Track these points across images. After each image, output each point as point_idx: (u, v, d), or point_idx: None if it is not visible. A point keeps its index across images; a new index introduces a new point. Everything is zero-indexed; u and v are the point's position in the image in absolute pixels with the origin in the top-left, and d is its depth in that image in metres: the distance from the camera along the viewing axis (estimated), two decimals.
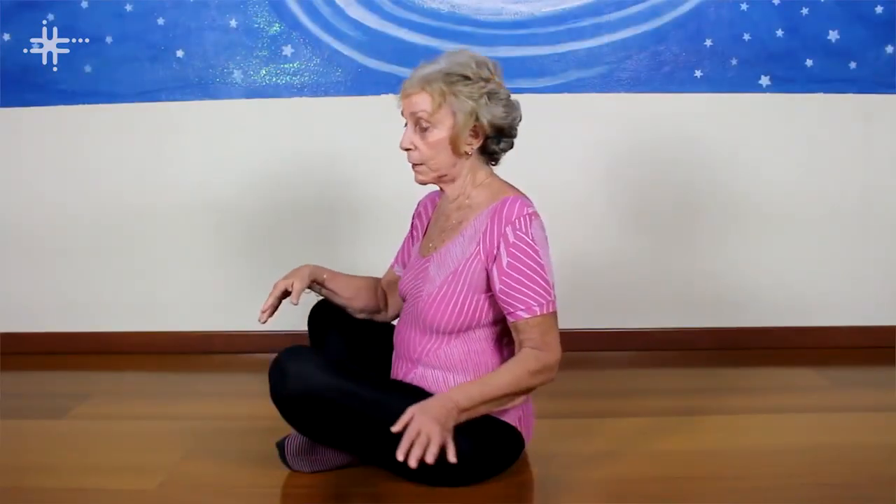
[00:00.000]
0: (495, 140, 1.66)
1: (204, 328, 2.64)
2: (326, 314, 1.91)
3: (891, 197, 2.56)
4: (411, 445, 1.41)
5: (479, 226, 1.63)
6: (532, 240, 1.58)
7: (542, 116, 2.47)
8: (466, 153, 1.65)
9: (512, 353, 1.65)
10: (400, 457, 1.41)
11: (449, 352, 1.66)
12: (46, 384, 2.42)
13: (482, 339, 1.66)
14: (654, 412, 2.08)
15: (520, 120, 1.68)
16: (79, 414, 2.13)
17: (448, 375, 1.65)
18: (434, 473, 1.62)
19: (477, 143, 1.65)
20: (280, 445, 1.73)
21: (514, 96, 1.69)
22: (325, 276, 1.81)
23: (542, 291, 1.58)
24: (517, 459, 1.72)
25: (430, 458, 1.40)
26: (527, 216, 1.60)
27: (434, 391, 1.63)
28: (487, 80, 1.62)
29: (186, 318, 2.64)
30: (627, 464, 1.79)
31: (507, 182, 1.72)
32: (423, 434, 1.42)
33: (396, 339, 1.78)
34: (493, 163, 1.71)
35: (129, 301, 2.65)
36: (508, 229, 1.59)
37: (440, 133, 1.63)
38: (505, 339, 1.68)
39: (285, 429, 1.68)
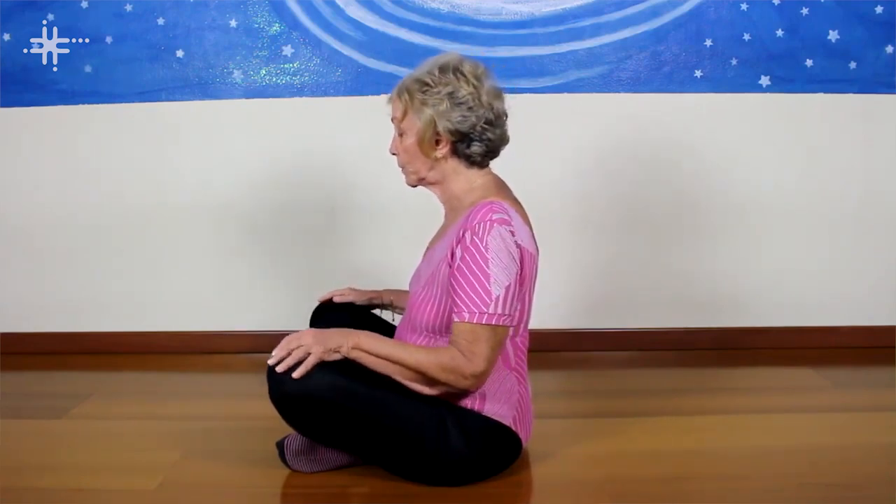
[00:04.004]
0: (464, 144, 1.64)
1: (204, 328, 2.64)
2: (328, 314, 1.91)
3: (891, 197, 2.56)
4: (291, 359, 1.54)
5: (456, 229, 1.63)
6: (485, 247, 1.55)
7: (542, 116, 2.49)
8: (437, 158, 1.65)
9: (503, 354, 1.65)
10: (270, 361, 1.54)
11: None
12: (46, 384, 2.42)
13: None
14: (654, 412, 2.08)
15: (488, 122, 1.62)
16: (79, 414, 2.13)
17: None
18: (433, 474, 1.63)
19: (444, 149, 1.64)
20: (280, 445, 1.73)
21: (500, 100, 1.65)
22: (391, 299, 1.96)
23: (477, 300, 1.54)
24: (515, 460, 1.72)
25: (294, 371, 1.53)
26: (488, 222, 1.56)
27: None
28: (447, 85, 1.60)
29: (186, 318, 2.64)
30: (627, 464, 1.79)
31: (501, 184, 1.70)
32: (300, 345, 1.54)
33: (395, 336, 1.78)
34: (475, 166, 1.68)
35: (128, 301, 2.64)
36: (468, 234, 1.57)
37: (410, 139, 1.66)
38: None
39: (285, 429, 1.68)
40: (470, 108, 1.61)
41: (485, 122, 1.62)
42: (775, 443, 1.88)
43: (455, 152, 1.66)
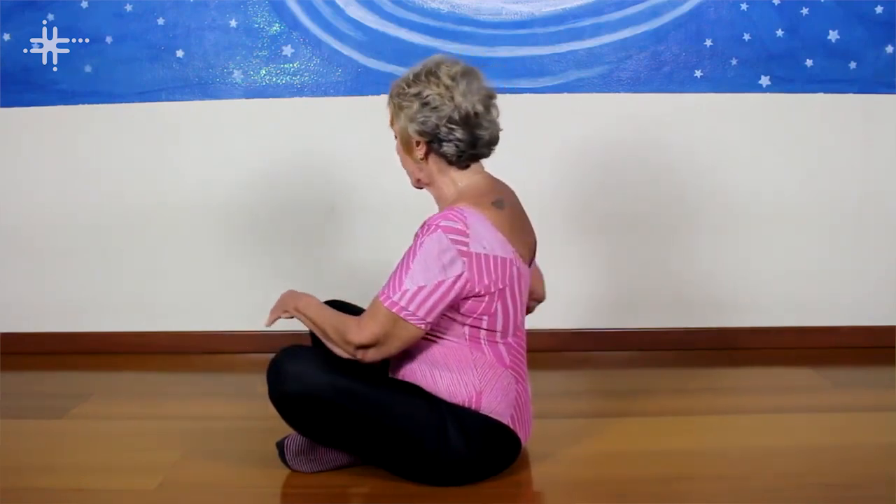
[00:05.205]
0: (436, 144, 1.64)
1: (204, 328, 2.64)
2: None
3: (891, 197, 2.56)
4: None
5: None
6: (420, 244, 1.58)
7: (542, 116, 2.49)
8: (419, 159, 1.67)
9: (496, 353, 1.66)
10: (266, 323, 1.73)
11: (428, 349, 1.66)
12: (46, 384, 2.42)
13: (456, 337, 1.64)
14: (654, 412, 2.08)
15: (452, 121, 1.60)
16: (79, 414, 2.13)
17: (434, 371, 1.65)
18: (433, 474, 1.64)
19: (421, 150, 1.66)
20: (280, 445, 1.74)
21: (479, 100, 1.61)
22: None
23: (391, 285, 1.58)
24: (515, 459, 1.72)
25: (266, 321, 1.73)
26: (433, 225, 1.58)
27: (424, 386, 1.65)
28: (417, 87, 1.62)
29: (186, 318, 2.64)
30: (627, 464, 1.79)
31: (487, 187, 1.67)
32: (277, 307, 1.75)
33: None
34: (454, 166, 1.67)
35: (129, 301, 2.65)
36: (420, 230, 1.60)
37: (398, 142, 1.70)
38: (481, 337, 1.65)
39: (285, 429, 1.68)
40: (434, 109, 1.61)
41: (449, 122, 1.61)
42: (775, 443, 1.88)
43: (433, 153, 1.67)
